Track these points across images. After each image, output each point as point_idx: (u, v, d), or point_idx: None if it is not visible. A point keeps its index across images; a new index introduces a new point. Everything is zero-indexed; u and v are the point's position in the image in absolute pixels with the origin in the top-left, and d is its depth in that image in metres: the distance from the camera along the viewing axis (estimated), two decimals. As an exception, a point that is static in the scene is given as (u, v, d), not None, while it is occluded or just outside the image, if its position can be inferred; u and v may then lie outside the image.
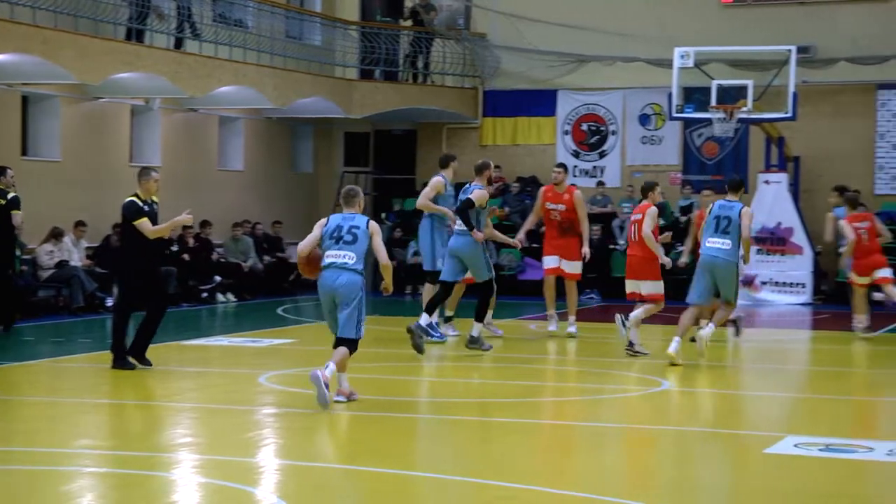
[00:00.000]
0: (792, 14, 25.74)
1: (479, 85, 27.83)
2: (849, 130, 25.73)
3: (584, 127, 27.42)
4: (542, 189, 17.69)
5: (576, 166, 27.25)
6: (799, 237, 23.53)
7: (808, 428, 11.12)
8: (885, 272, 17.76)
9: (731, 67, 24.87)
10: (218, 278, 22.66)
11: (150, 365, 13.54)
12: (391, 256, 22.31)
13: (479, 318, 15.59)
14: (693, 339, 14.91)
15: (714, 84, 22.84)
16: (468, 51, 27.49)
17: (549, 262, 17.30)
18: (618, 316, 15.73)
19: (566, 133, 27.51)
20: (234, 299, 22.90)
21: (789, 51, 22.81)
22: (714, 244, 14.58)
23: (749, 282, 23.13)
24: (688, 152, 26.62)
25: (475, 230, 15.45)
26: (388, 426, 10.97)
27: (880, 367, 15.80)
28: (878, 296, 18.85)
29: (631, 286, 15.51)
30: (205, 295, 22.36)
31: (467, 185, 16.14)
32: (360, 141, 28.69)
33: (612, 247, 25.10)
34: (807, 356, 17.53)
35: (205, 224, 22.89)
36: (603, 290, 24.30)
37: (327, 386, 11.09)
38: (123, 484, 8.65)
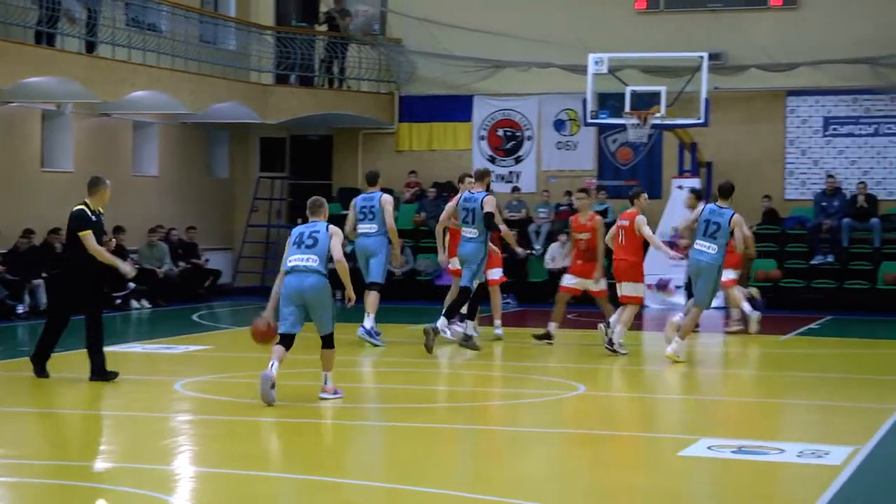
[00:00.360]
0: (704, 21, 26.03)
1: (395, 90, 27.84)
2: (760, 136, 26.09)
3: (500, 132, 27.53)
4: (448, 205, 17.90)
5: (492, 171, 27.30)
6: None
7: (721, 430, 11.27)
8: (731, 274, 18.20)
9: (644, 74, 25.10)
10: (132, 285, 22.43)
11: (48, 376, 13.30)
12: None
13: (471, 315, 16.27)
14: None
15: (628, 90, 23.03)
16: (384, 56, 27.48)
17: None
18: (600, 326, 16.25)
19: (482, 138, 27.61)
20: (149, 305, 22.68)
21: (701, 58, 23.04)
22: (700, 247, 15.21)
23: (664, 286, 23.44)
24: (602, 158, 26.83)
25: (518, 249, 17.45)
26: (304, 432, 10.94)
27: (791, 369, 16.02)
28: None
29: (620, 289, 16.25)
30: (118, 301, 22.13)
31: (469, 194, 16.29)
32: (276, 146, 28.56)
33: (528, 252, 25.20)
34: (720, 359, 17.73)
35: (119, 230, 22.65)
36: (519, 294, 24.41)
37: (273, 386, 11.51)
38: (37, 494, 8.55)
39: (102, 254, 13.20)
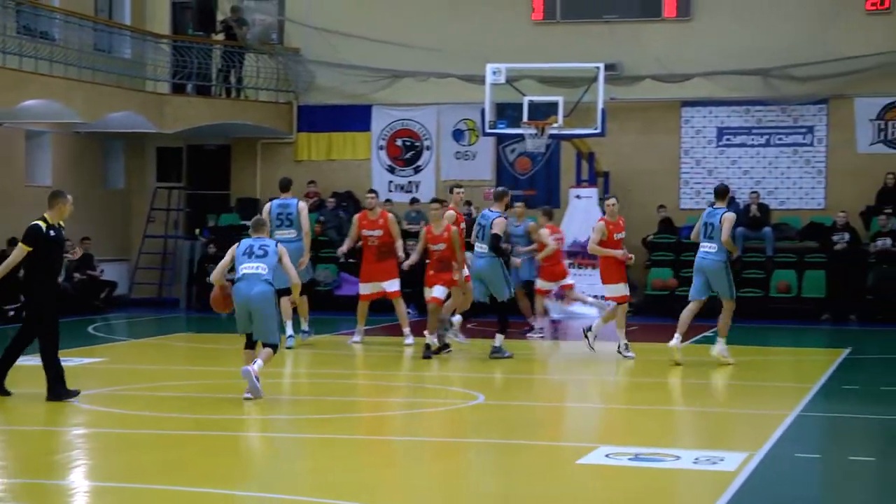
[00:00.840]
0: (599, 32, 26.28)
1: (294, 100, 27.73)
2: (655, 146, 26.39)
3: (399, 142, 27.55)
4: (357, 216, 18.10)
5: (391, 181, 27.37)
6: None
7: (620, 438, 11.36)
8: (570, 279, 20.45)
9: (541, 84, 25.24)
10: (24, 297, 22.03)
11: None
12: (205, 273, 22.52)
13: (502, 330, 16.65)
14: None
15: (525, 100, 23.16)
16: (282, 66, 27.37)
17: (365, 289, 18.18)
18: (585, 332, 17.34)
19: (381, 148, 27.60)
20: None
21: (597, 68, 23.24)
22: (703, 248, 16.28)
23: (562, 296, 23.56)
24: (501, 167, 26.96)
25: (512, 258, 17.63)
26: (201, 444, 10.84)
27: (687, 377, 16.21)
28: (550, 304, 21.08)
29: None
30: (11, 314, 21.73)
31: (487, 212, 16.86)
32: (172, 156, 28.31)
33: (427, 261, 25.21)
34: (617, 367, 17.88)
35: (11, 242, 22.23)
36: (420, 305, 24.39)
37: (258, 378, 12.55)
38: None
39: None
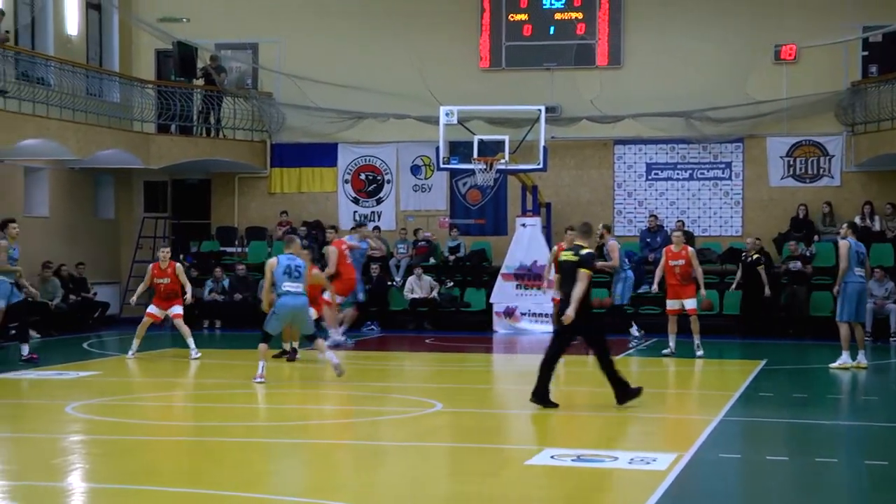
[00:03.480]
0: (540, 78, 26.42)
1: (267, 138, 27.67)
2: (591, 180, 26.53)
3: (363, 176, 27.53)
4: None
5: (355, 212, 27.35)
6: (552, 274, 24.00)
7: (563, 441, 11.36)
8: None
9: (489, 124, 25.35)
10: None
11: None
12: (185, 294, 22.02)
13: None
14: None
15: (475, 139, 23.22)
16: (256, 108, 27.32)
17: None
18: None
19: (346, 182, 27.57)
20: (38, 335, 22.01)
21: (539, 110, 23.35)
22: (857, 272, 16.67)
23: (510, 313, 23.64)
24: (454, 198, 26.99)
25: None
26: (184, 450, 10.76)
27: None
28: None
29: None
30: (13, 332, 21.47)
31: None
32: (158, 189, 28.16)
33: (389, 283, 25.22)
34: (561, 377, 17.89)
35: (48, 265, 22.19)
36: (382, 321, 24.39)
37: (337, 367, 14.79)
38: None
39: None
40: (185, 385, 15.99)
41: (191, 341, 18.29)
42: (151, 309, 18.67)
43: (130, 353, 18.30)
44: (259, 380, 14.70)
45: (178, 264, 18.94)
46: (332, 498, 8.72)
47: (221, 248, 27.10)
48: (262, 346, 14.96)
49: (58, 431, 11.73)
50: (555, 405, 12.83)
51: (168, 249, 19.12)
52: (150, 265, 19.10)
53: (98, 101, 24.70)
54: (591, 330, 13.07)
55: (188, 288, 18.72)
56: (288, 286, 14.92)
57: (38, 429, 11.81)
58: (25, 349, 17.70)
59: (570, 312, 12.79)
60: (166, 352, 19.98)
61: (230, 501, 8.63)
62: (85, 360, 18.24)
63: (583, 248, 13.15)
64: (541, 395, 12.91)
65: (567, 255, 13.26)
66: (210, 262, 26.09)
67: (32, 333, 21.83)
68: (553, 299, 17.11)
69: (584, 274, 12.91)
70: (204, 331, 24.46)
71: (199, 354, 18.12)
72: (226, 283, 25.37)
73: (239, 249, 27.04)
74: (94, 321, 24.35)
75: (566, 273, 13.11)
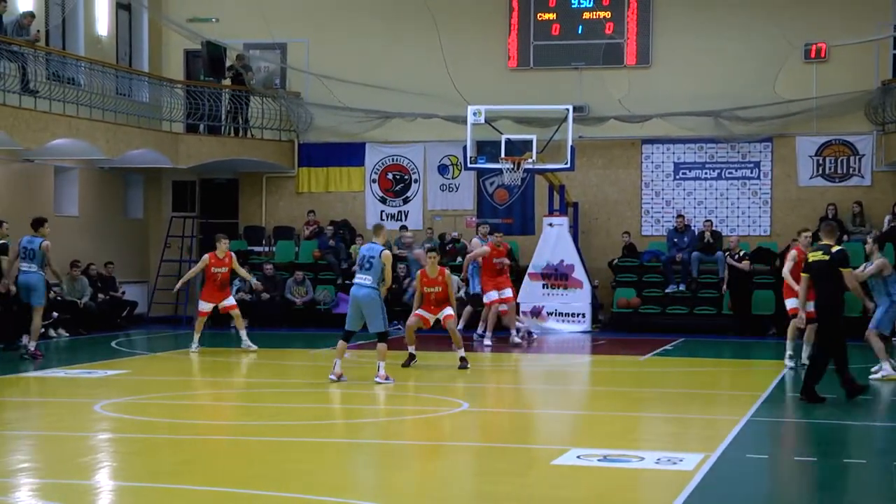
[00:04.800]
0: (568, 78, 26.37)
1: (295, 138, 27.75)
2: (619, 179, 26.47)
3: (390, 176, 27.57)
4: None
5: (383, 211, 27.40)
6: (579, 273, 24.03)
7: (589, 441, 11.35)
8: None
9: (517, 124, 25.34)
10: (55, 314, 22.00)
11: None
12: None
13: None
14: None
15: (503, 138, 23.22)
16: (284, 108, 27.39)
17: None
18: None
19: (374, 181, 27.62)
20: (66, 334, 22.18)
21: (567, 110, 23.32)
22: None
23: (538, 313, 23.63)
24: (481, 198, 26.99)
25: None
26: (212, 448, 10.81)
27: (649, 386, 16.24)
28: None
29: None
30: (42, 330, 21.64)
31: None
32: (186, 188, 28.29)
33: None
34: (588, 377, 17.90)
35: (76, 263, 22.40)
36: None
37: (388, 378, 14.82)
38: (-34, 509, 8.32)
39: None
40: (214, 384, 16.06)
41: (244, 333, 19.13)
42: (203, 306, 19.27)
43: (194, 346, 19.01)
44: (378, 380, 14.89)
45: (233, 254, 19.57)
46: (360, 497, 8.74)
47: (249, 248, 27.20)
48: (380, 345, 15.01)
49: (86, 429, 11.82)
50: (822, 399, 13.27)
51: (227, 240, 19.62)
52: (206, 255, 19.54)
53: (127, 100, 24.85)
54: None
55: (250, 277, 19.79)
56: (357, 277, 14.97)
57: (67, 427, 11.89)
58: (33, 344, 17.94)
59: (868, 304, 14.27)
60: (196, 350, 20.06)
61: (258, 500, 8.67)
62: (113, 359, 18.35)
63: (832, 246, 13.31)
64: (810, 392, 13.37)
65: (817, 256, 13.35)
66: (238, 262, 26.17)
67: (61, 332, 22.06)
68: (790, 310, 16.48)
69: (847, 272, 13.39)
70: (231, 329, 24.54)
71: (254, 347, 18.86)
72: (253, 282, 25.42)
73: (266, 249, 27.14)
74: (122, 320, 24.48)
75: (818, 273, 13.37)
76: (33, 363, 17.38)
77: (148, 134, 24.82)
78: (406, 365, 16.73)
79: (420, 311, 17.21)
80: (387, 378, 14.90)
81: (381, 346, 14.98)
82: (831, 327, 13.41)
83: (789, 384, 15.55)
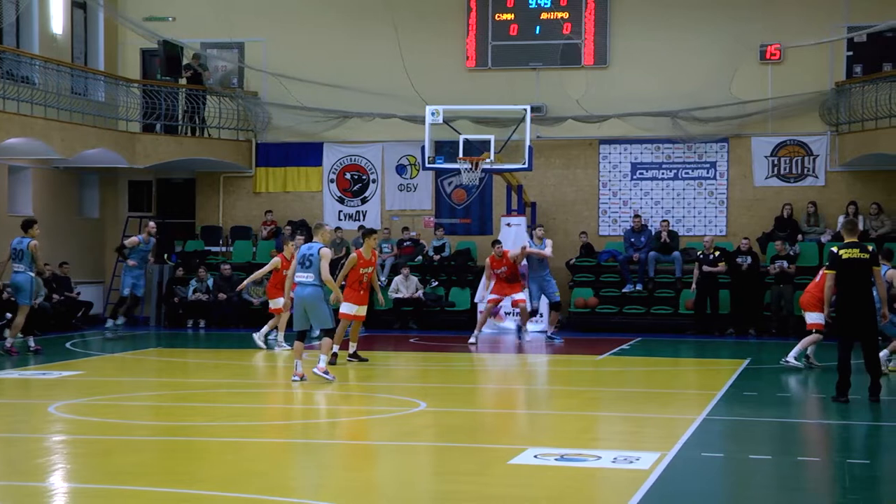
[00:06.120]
0: (526, 78, 26.45)
1: (253, 138, 27.65)
2: (577, 179, 26.57)
3: (348, 176, 27.53)
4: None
5: (340, 211, 27.36)
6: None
7: (547, 440, 11.37)
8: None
9: (475, 124, 25.39)
10: (9, 315, 21.75)
11: None
12: (173, 294, 22.64)
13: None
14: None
15: (461, 138, 23.22)
16: (242, 107, 27.30)
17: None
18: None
19: (332, 181, 27.57)
20: (21, 335, 21.93)
21: (525, 110, 23.38)
22: None
23: (495, 313, 23.65)
24: (439, 198, 27.02)
25: None
26: (169, 449, 10.75)
27: (606, 385, 16.30)
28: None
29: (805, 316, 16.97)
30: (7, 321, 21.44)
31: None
32: (143, 188, 28.12)
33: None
34: (545, 377, 17.95)
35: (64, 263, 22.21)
36: (367, 321, 24.30)
37: (326, 372, 14.84)
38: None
39: None
40: (170, 385, 15.97)
41: (281, 336, 19.67)
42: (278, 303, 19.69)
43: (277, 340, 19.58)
44: (317, 371, 15.06)
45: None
46: (318, 498, 8.72)
47: (206, 248, 27.10)
48: (325, 339, 15.21)
49: (40, 431, 11.71)
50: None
51: (302, 237, 20.47)
52: (277, 257, 20.04)
53: (83, 100, 24.67)
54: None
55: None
56: (298, 276, 15.01)
57: (21, 428, 11.78)
58: (9, 342, 17.97)
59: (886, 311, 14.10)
60: (150, 351, 19.97)
61: (215, 501, 8.63)
62: (69, 360, 18.20)
63: (865, 244, 13.83)
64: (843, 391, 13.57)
65: (853, 253, 13.59)
66: (194, 262, 26.08)
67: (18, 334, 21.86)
68: (815, 324, 16.70)
69: (877, 270, 13.73)
70: (188, 330, 24.44)
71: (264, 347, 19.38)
72: (210, 282, 25.35)
73: (224, 249, 27.04)
74: (77, 321, 24.29)
75: (856, 271, 13.54)
76: (10, 359, 17.29)
77: (104, 133, 24.66)
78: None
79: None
80: (325, 373, 14.90)
81: (326, 340, 15.08)
82: (871, 325, 13.61)
83: (746, 383, 15.67)
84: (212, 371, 17.40)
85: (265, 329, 19.77)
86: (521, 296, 21.13)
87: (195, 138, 26.88)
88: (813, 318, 16.64)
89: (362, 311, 17.33)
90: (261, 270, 20.18)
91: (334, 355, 16.76)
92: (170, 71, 26.61)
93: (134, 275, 21.91)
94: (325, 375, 14.87)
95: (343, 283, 16.90)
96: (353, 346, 17.50)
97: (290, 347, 18.74)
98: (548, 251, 21.69)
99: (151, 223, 22.76)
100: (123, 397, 14.28)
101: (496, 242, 21.53)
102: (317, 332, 16.86)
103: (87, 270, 26.64)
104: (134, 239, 21.99)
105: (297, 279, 14.93)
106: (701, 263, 23.62)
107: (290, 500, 8.60)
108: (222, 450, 10.85)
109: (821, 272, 16.53)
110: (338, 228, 26.24)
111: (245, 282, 20.67)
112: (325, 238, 15.32)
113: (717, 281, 23.67)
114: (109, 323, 21.75)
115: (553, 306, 21.97)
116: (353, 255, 17.12)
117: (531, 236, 22.07)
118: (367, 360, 17.41)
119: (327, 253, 14.93)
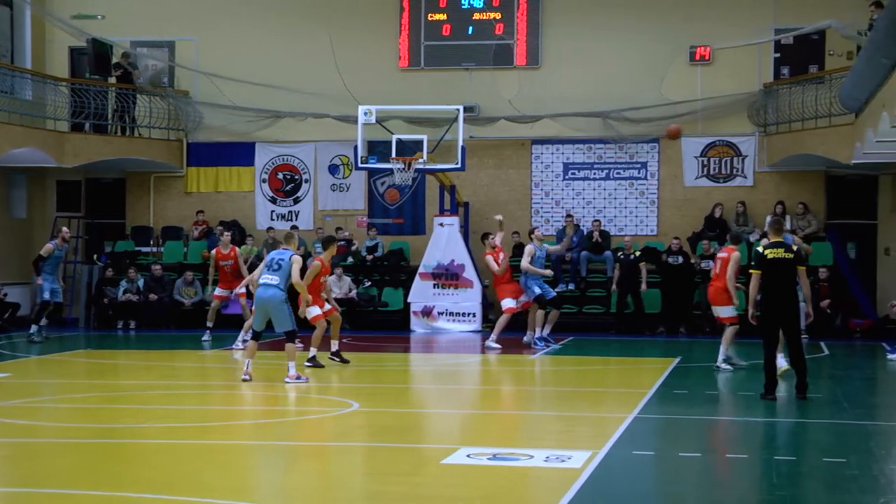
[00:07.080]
0: (459, 78, 26.50)
1: (184, 137, 27.43)
2: (509, 179, 26.67)
3: (280, 175, 27.41)
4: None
5: (273, 211, 27.23)
6: (469, 273, 24.18)
7: (479, 440, 11.40)
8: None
9: (408, 124, 25.39)
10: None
11: None
12: (103, 295, 22.38)
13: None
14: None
15: (394, 138, 23.25)
16: (172, 106, 27.07)
17: None
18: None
19: (264, 181, 27.42)
20: (-51, 338, 21.68)
21: (457, 110, 23.45)
22: None
23: (428, 312, 23.69)
24: (372, 198, 26.98)
25: None
26: (100, 452, 10.64)
27: (539, 384, 16.38)
28: None
29: (714, 311, 17.27)
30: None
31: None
32: (72, 188, 27.77)
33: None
34: (478, 376, 17.99)
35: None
36: (299, 321, 24.19)
37: (299, 377, 14.92)
38: None
39: None
40: (98, 386, 15.80)
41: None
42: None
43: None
44: (288, 380, 15.03)
45: (238, 248, 21.09)
46: (250, 499, 8.68)
47: (136, 248, 26.84)
48: (289, 345, 15.21)
49: (-33, 435, 11.52)
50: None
51: (229, 234, 21.41)
52: (317, 261, 18.44)
53: (10, 98, 24.32)
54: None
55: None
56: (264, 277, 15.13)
57: (-53, 432, 11.58)
58: None
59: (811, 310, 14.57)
60: (79, 353, 19.74)
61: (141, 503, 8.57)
62: (-5, 362, 17.93)
63: (789, 243, 14.20)
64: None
65: (777, 253, 13.80)
66: (125, 262, 25.82)
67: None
68: (728, 318, 16.97)
69: (802, 270, 14.09)
70: (118, 331, 24.18)
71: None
72: (141, 283, 25.10)
73: (154, 249, 26.80)
74: (4, 322, 23.95)
75: (781, 271, 13.74)
76: None
77: (31, 132, 24.33)
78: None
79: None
80: (298, 377, 14.90)
81: (290, 346, 15.02)
82: (796, 323, 13.90)
83: (676, 381, 15.82)
84: (143, 372, 17.23)
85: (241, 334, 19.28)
86: (512, 304, 20.28)
87: (125, 138, 26.60)
88: (725, 311, 16.92)
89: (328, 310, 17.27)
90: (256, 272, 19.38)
91: (313, 358, 16.72)
92: (99, 69, 26.31)
93: (50, 281, 21.57)
94: (297, 381, 14.87)
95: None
96: (335, 344, 17.31)
97: (243, 348, 18.51)
98: (561, 248, 22.31)
99: (65, 228, 22.61)
100: (52, 399, 14.10)
101: (487, 235, 20.80)
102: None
103: (14, 272, 26.25)
104: (49, 246, 21.74)
105: (262, 280, 15.04)
106: (621, 264, 23.87)
107: (220, 501, 8.54)
108: (150, 452, 10.75)
109: (719, 264, 16.93)
110: (270, 229, 26.14)
111: (245, 281, 19.78)
112: (296, 246, 15.66)
113: (638, 280, 23.86)
114: (33, 328, 21.40)
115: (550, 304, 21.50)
116: (317, 262, 17.09)
117: (531, 238, 21.14)
118: (348, 362, 17.21)
119: (299, 259, 15.11)
